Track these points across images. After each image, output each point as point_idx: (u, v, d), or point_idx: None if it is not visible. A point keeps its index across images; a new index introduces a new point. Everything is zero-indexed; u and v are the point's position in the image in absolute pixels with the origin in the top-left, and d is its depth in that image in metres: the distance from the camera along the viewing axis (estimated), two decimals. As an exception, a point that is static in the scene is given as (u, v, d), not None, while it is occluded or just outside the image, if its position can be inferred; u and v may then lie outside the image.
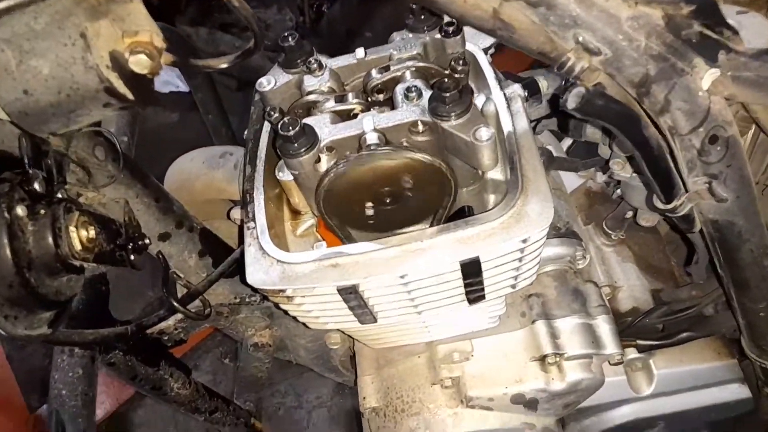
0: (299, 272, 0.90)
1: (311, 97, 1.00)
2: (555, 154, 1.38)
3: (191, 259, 1.20)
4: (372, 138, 0.89)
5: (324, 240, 1.02)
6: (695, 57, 0.67)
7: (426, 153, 0.89)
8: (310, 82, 1.00)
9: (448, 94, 0.85)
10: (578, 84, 0.70)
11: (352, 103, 0.98)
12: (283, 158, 0.91)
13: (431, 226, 1.03)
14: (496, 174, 0.99)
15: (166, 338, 1.32)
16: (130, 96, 0.68)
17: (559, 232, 1.26)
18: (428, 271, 0.88)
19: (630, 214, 1.33)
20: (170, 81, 3.53)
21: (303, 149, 0.88)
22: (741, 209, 0.79)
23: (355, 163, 0.88)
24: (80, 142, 0.92)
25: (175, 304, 1.09)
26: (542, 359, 1.14)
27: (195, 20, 3.65)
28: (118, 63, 0.65)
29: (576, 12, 0.67)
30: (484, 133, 0.85)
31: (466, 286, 0.93)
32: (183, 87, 3.47)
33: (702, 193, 0.78)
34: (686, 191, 0.80)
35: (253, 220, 0.96)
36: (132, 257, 1.02)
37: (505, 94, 0.99)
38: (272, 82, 1.01)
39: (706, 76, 0.68)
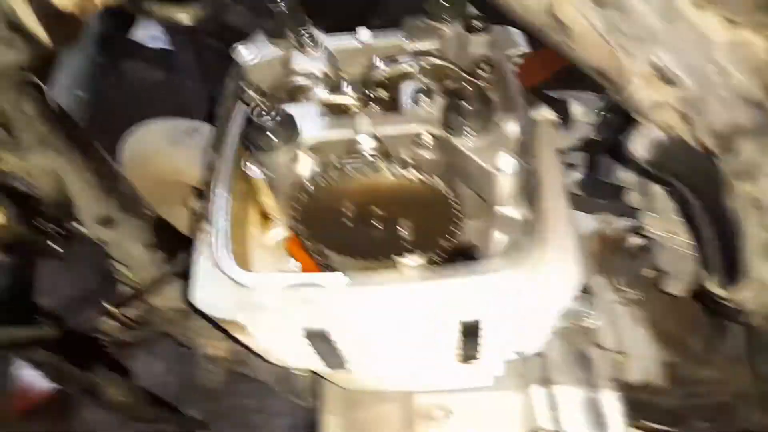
0: (261, 302, 0.71)
1: (300, 80, 0.81)
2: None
3: (137, 250, 1.01)
4: (367, 146, 0.71)
5: (295, 259, 0.84)
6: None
7: (430, 174, 0.71)
8: (300, 61, 0.82)
9: (468, 106, 0.66)
10: (643, 123, 0.51)
11: (349, 95, 0.79)
12: (253, 151, 0.73)
13: (429, 260, 0.85)
14: (509, 209, 0.80)
15: (104, 338, 1.13)
16: (42, 36, 0.50)
17: (572, 282, 1.07)
18: (415, 324, 0.70)
19: (651, 273, 1.14)
20: (159, 36, 3.16)
21: (279, 144, 0.70)
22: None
23: (343, 176, 0.69)
24: (1, 91, 0.74)
25: (108, 306, 0.91)
26: (535, 432, 0.96)
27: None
28: (35, -5, 0.47)
29: (657, 25, 0.48)
30: (508, 161, 0.66)
31: (464, 343, 0.75)
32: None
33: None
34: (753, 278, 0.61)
35: (211, 222, 0.78)
36: (57, 243, 0.84)
37: (532, 115, 0.81)
38: (255, 54, 0.83)
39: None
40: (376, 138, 0.71)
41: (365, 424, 1.06)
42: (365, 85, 0.81)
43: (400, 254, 0.82)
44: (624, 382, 1.09)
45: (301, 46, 0.82)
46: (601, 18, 0.50)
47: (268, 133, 0.69)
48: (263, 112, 0.68)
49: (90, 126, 1.15)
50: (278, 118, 0.68)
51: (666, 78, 0.50)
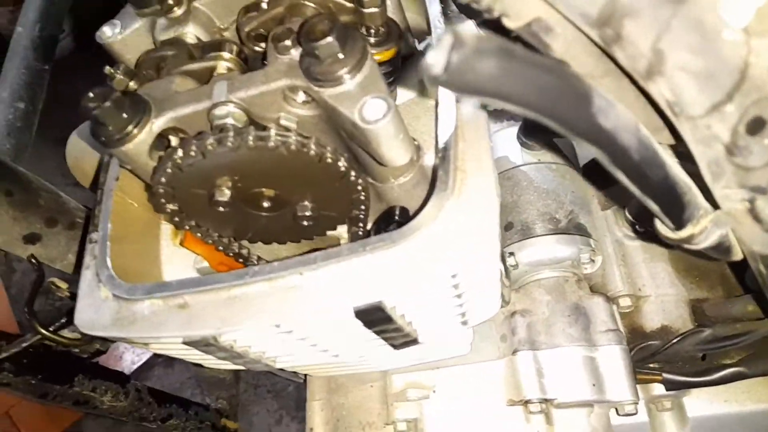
0: (137, 314, 0.62)
1: (166, 51, 0.69)
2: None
3: (72, 260, 0.95)
4: (222, 113, 0.59)
5: (198, 254, 0.75)
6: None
7: (304, 136, 0.58)
8: (164, 28, 0.70)
9: (319, 45, 0.52)
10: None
11: (222, 57, 0.67)
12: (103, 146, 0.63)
13: (349, 232, 0.73)
14: (427, 159, 0.67)
15: (77, 351, 1.09)
16: None
17: (558, 226, 0.92)
18: (310, 320, 0.59)
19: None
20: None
21: (124, 133, 0.59)
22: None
23: (208, 154, 0.58)
24: None
25: (40, 329, 0.85)
26: (524, 404, 0.83)
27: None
28: None
29: None
30: (375, 108, 0.53)
31: (377, 333, 0.63)
32: None
33: (739, 216, 0.44)
34: (715, 208, 0.46)
35: (97, 229, 0.70)
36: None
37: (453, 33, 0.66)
38: (116, 28, 0.72)
39: (740, 2, 0.33)
40: (236, 103, 0.59)
41: (347, 408, 0.97)
42: (242, 42, 0.69)
43: (304, 234, 0.72)
44: (636, 329, 0.94)
45: (165, 11, 0.70)
46: None
47: (106, 124, 0.58)
48: (94, 101, 0.57)
49: (38, 135, 1.08)
50: (114, 104, 0.57)
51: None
